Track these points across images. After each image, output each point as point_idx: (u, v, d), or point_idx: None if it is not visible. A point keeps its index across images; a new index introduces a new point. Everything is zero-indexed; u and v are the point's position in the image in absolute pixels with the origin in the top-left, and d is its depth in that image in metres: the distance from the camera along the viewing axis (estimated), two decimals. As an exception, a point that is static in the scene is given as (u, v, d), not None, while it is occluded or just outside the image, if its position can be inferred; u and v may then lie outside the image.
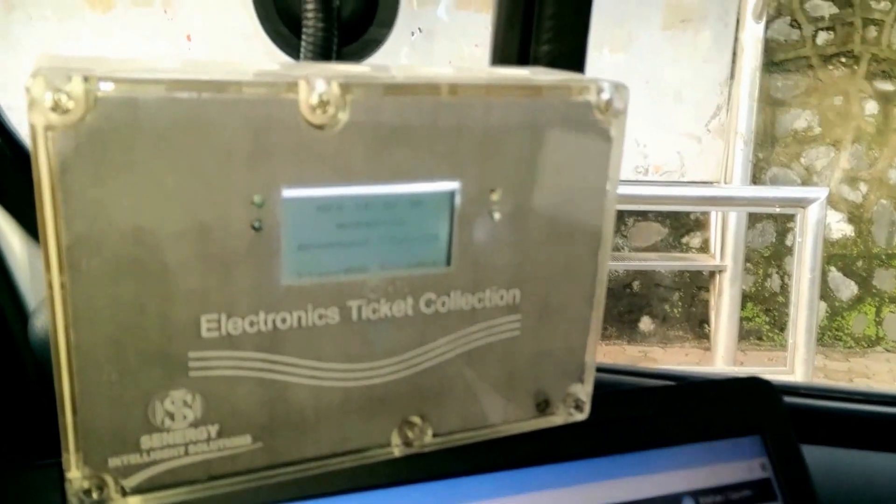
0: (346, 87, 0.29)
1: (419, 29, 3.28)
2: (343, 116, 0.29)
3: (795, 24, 3.54)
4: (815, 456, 0.48)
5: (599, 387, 0.38)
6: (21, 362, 0.56)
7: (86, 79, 0.25)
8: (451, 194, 0.32)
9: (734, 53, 3.39)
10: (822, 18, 3.53)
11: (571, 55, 0.45)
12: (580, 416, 0.37)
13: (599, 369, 0.40)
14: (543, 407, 0.37)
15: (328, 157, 0.29)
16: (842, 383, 3.37)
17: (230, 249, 0.29)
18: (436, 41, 3.33)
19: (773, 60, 3.54)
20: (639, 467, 0.44)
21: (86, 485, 0.29)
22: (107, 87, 0.25)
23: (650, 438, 0.43)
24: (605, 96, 0.33)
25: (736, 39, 3.37)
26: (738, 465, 0.45)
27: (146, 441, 0.30)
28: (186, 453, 0.30)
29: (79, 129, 0.25)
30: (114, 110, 0.25)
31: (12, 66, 3.20)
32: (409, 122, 0.30)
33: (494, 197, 0.32)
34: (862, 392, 0.60)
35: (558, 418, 0.37)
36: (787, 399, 0.52)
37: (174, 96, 0.26)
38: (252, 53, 3.20)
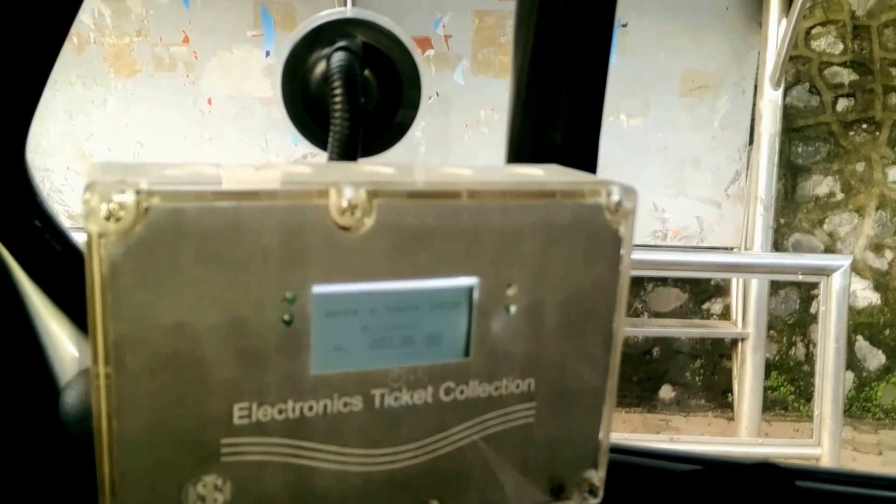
0: (373, 193, 0.31)
1: (436, 93, 3.36)
2: (369, 220, 0.31)
3: (815, 90, 3.58)
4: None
5: (615, 469, 0.39)
6: (51, 436, 0.58)
7: (137, 191, 0.27)
8: (470, 290, 0.34)
9: (753, 120, 3.42)
10: (842, 85, 3.56)
11: (584, 149, 0.47)
12: (594, 501, 0.39)
13: (616, 450, 0.41)
14: (558, 492, 0.38)
15: (355, 256, 0.31)
16: (871, 455, 3.30)
17: (263, 342, 0.31)
18: (452, 105, 3.40)
19: (793, 126, 3.57)
20: (654, 550, 0.45)
21: (121, 565, 0.31)
22: (156, 199, 0.27)
23: (662, 525, 0.44)
24: (615, 198, 0.35)
25: (754, 106, 3.41)
26: (753, 548, 0.46)
27: (179, 523, 0.31)
28: (216, 535, 0.32)
29: (129, 236, 0.27)
30: (161, 218, 0.28)
31: (40, 130, 3.30)
32: (431, 223, 0.32)
33: (510, 292, 0.34)
34: (876, 476, 0.60)
35: (572, 502, 0.38)
36: (802, 483, 0.52)
37: (216, 205, 0.28)
38: (270, 116, 3.29)
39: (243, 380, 0.31)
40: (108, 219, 0.27)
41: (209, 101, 3.38)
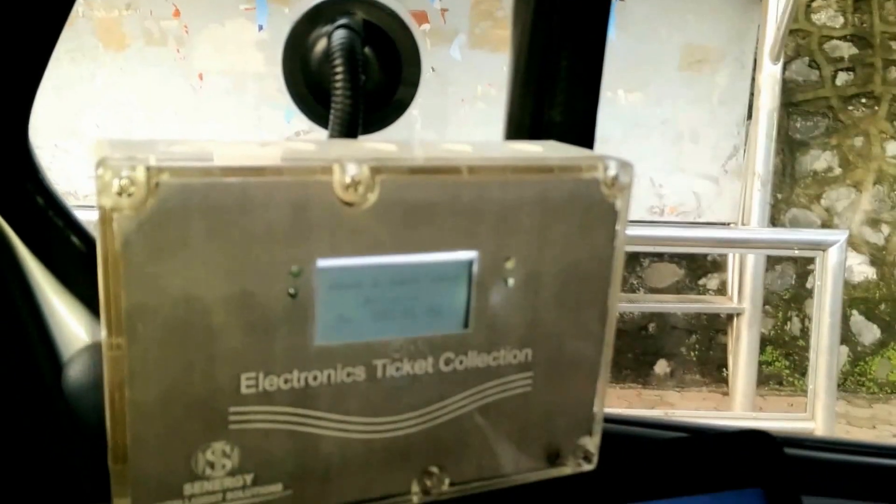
0: (375, 170, 0.32)
1: (432, 69, 3.34)
2: (372, 195, 0.32)
3: (814, 64, 3.57)
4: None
5: (608, 437, 0.40)
6: (55, 410, 0.59)
7: (148, 167, 0.28)
8: (469, 263, 0.35)
9: (751, 94, 3.42)
10: (842, 59, 3.55)
11: (582, 125, 0.48)
12: (588, 467, 0.40)
13: (608, 420, 0.42)
14: (554, 458, 0.39)
15: (358, 231, 0.32)
16: (864, 430, 3.34)
17: (269, 314, 0.32)
18: (449, 81, 3.38)
19: (792, 101, 3.56)
20: (646, 516, 0.46)
21: (133, 529, 0.32)
22: (166, 174, 0.28)
23: (653, 489, 0.45)
24: (612, 172, 0.36)
25: (753, 80, 3.40)
26: (743, 515, 0.47)
27: (188, 488, 0.32)
28: (224, 500, 0.33)
29: (140, 211, 0.28)
30: (171, 194, 0.29)
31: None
32: (432, 199, 0.33)
33: (509, 265, 0.35)
34: (865, 444, 0.62)
35: (568, 469, 0.40)
36: (791, 451, 0.53)
37: (224, 181, 0.29)
38: (263, 92, 3.27)
39: (250, 351, 0.32)
40: (120, 194, 0.28)
41: (200, 76, 3.35)
